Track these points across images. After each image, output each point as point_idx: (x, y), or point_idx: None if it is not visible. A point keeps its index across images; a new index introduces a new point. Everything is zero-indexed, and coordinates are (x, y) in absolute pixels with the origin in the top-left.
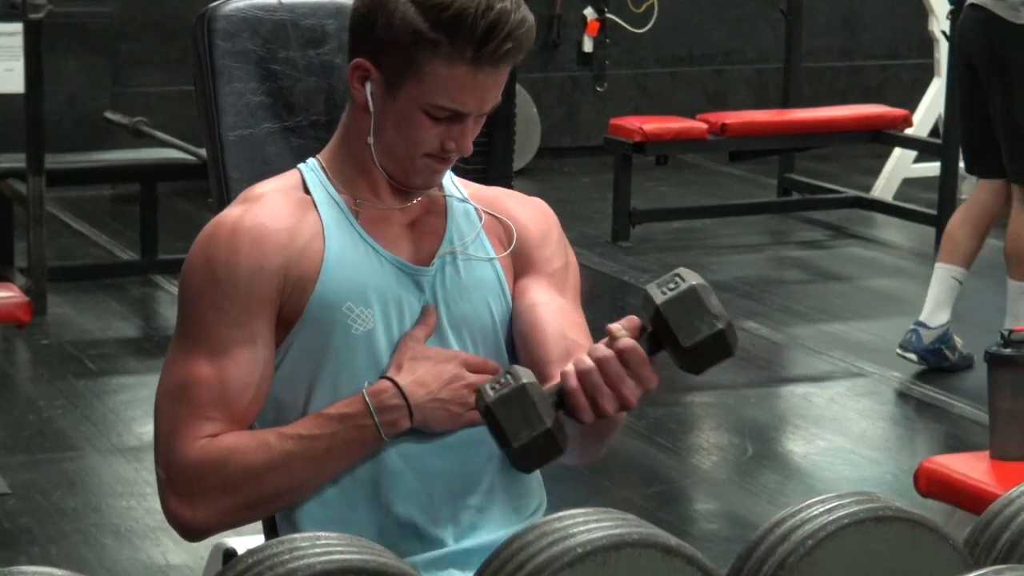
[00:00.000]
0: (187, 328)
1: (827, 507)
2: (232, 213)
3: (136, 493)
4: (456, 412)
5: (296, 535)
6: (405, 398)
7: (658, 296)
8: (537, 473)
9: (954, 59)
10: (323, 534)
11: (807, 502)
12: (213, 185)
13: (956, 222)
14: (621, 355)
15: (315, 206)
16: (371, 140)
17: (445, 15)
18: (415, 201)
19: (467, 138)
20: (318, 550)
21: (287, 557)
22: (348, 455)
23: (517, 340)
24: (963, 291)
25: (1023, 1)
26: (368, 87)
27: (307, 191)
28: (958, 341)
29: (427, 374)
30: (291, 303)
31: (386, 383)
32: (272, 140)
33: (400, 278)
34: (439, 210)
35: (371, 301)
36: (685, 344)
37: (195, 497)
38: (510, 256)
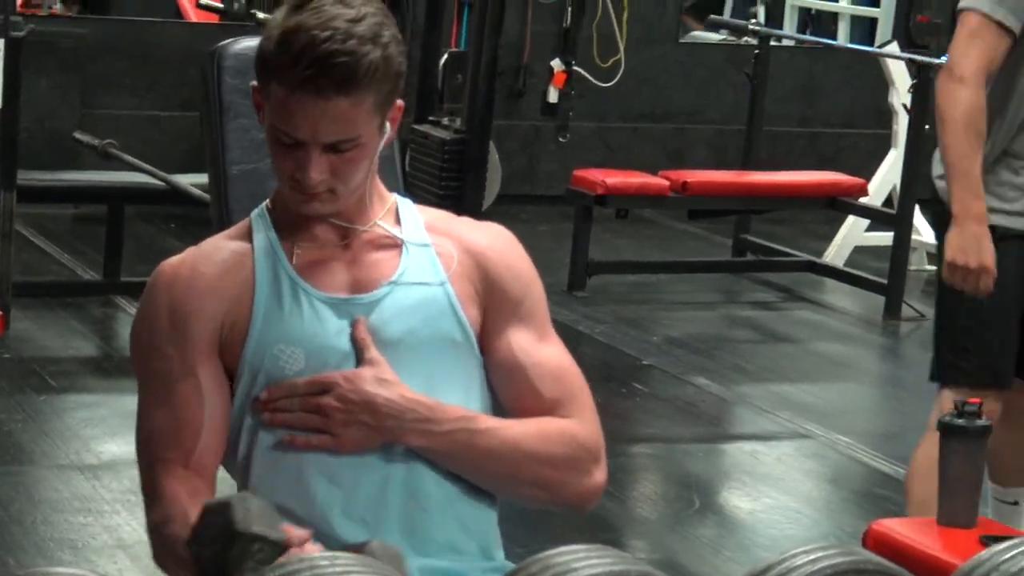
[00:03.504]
0: (141, 380)
1: (811, 557)
2: (171, 261)
3: (94, 510)
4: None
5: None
6: None
7: None
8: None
9: None
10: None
11: (791, 552)
12: (215, 217)
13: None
14: None
15: (252, 254)
16: None
17: (280, 35)
18: (355, 237)
19: (307, 168)
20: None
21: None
22: None
23: (497, 387)
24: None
25: None
26: (262, 116)
27: (251, 239)
28: None
29: None
30: (229, 350)
31: None
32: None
33: (330, 317)
34: (390, 245)
35: (300, 343)
36: None
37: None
38: (471, 284)
